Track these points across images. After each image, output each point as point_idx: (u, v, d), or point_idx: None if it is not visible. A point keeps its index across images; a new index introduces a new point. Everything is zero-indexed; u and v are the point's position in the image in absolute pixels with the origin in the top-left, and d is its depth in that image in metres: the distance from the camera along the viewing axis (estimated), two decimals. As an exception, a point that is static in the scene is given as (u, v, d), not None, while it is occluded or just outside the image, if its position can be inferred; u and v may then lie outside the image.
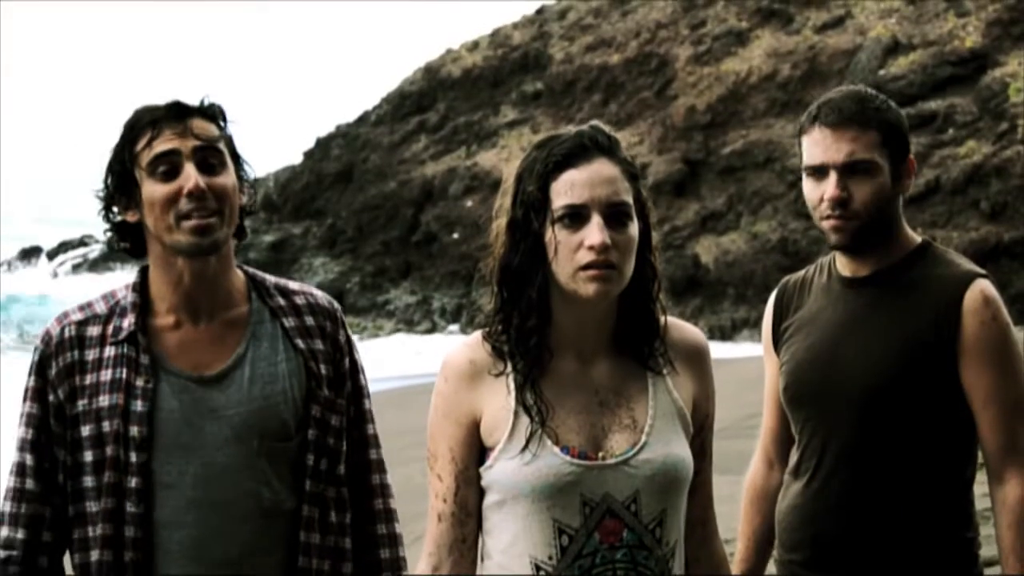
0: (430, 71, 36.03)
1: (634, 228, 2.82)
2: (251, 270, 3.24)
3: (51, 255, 38.04)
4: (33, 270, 37.50)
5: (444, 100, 34.96)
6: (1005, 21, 26.86)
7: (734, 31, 30.78)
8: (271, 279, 3.25)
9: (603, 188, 2.80)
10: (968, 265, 3.45)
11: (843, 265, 3.50)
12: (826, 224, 3.41)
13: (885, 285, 3.44)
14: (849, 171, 3.37)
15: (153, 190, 3.05)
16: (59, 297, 29.25)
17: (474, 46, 36.38)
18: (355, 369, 3.24)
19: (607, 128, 2.89)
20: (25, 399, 3.14)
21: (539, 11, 36.41)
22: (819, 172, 3.40)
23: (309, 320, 3.20)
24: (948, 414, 3.37)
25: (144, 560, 3.04)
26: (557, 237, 2.79)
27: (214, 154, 3.08)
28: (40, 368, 3.13)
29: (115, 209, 3.14)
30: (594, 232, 2.76)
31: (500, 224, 2.87)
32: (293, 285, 3.27)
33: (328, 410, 3.16)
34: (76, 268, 35.94)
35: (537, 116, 32.39)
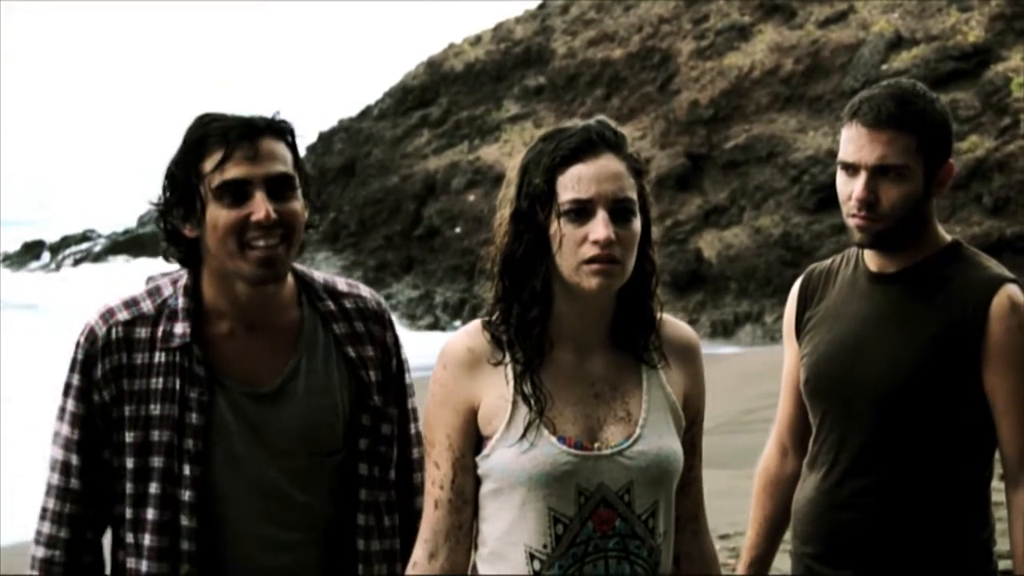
0: (432, 65, 36.01)
1: (637, 224, 2.86)
2: (299, 269, 3.19)
3: (53, 249, 38.04)
4: (35, 263, 37.48)
5: (446, 94, 34.94)
6: (1008, 16, 26.82)
7: (737, 25, 30.74)
8: (319, 278, 3.20)
9: (609, 184, 2.82)
10: (997, 269, 3.43)
11: (871, 260, 3.48)
12: (851, 222, 3.40)
13: (912, 283, 3.42)
14: (879, 173, 3.34)
15: (219, 215, 2.99)
16: (49, 306, 29.00)
17: (476, 40, 36.35)
18: (401, 370, 3.24)
19: (614, 123, 2.91)
20: (67, 395, 3.10)
21: (541, 5, 36.37)
22: (851, 169, 3.38)
23: (359, 326, 3.18)
24: (968, 416, 3.36)
25: (201, 573, 3.03)
26: (562, 230, 2.82)
27: (285, 179, 3.02)
28: (85, 367, 3.08)
29: (170, 218, 3.07)
30: (599, 227, 2.79)
31: (504, 215, 2.89)
32: (341, 285, 3.22)
33: (378, 419, 3.16)
34: (78, 262, 35.94)
35: (540, 111, 32.36)
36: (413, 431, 3.27)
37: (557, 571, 2.84)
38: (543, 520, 2.83)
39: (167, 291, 3.12)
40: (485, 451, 2.89)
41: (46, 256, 38.03)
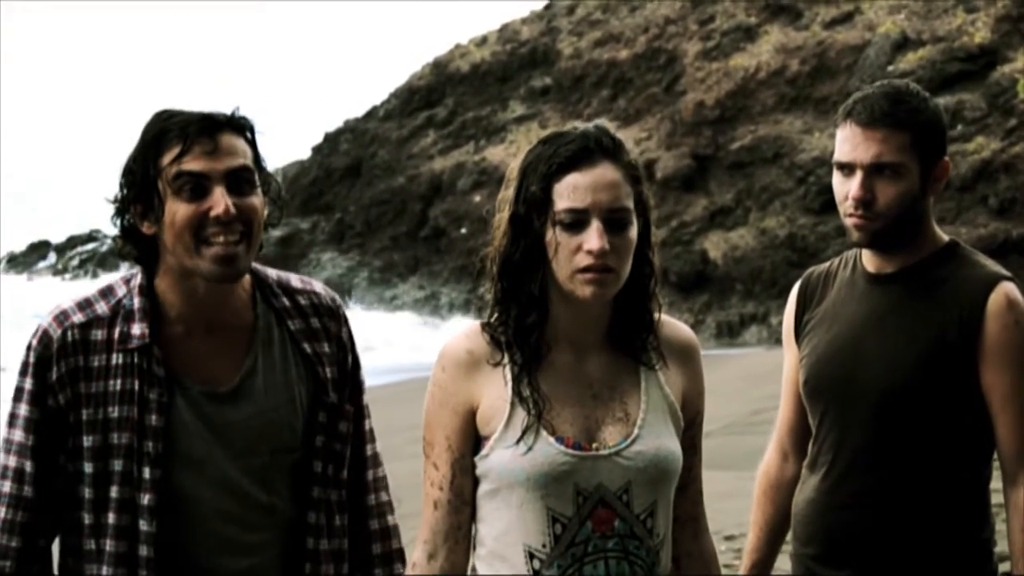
0: (438, 66, 36.02)
1: (633, 231, 2.86)
2: (254, 266, 3.15)
3: (59, 250, 38.07)
4: (42, 263, 37.50)
5: (452, 95, 34.94)
6: (1014, 17, 26.79)
7: (743, 26, 30.73)
8: (272, 275, 3.18)
9: (604, 193, 2.83)
10: (994, 267, 3.43)
11: (869, 261, 3.49)
12: (849, 222, 3.40)
13: (910, 283, 3.43)
14: (875, 172, 3.35)
15: (177, 209, 2.95)
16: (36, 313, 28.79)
17: (482, 41, 36.35)
18: (356, 366, 3.22)
19: (612, 129, 2.92)
20: (19, 400, 3.03)
21: (547, 6, 36.37)
22: (847, 169, 3.40)
23: (315, 322, 3.16)
24: (966, 415, 3.36)
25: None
26: (557, 238, 2.83)
27: (245, 174, 2.99)
28: (38, 370, 3.01)
29: (127, 215, 3.03)
30: (593, 238, 2.80)
31: (503, 217, 2.89)
32: (295, 282, 3.20)
33: (335, 416, 3.13)
34: (84, 263, 35.97)
35: (545, 111, 32.37)
36: (367, 427, 3.25)
37: (556, 571, 2.84)
38: (542, 520, 2.84)
39: (120, 291, 3.07)
40: (483, 451, 2.89)
41: (52, 257, 38.07)
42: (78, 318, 3.04)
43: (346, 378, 3.19)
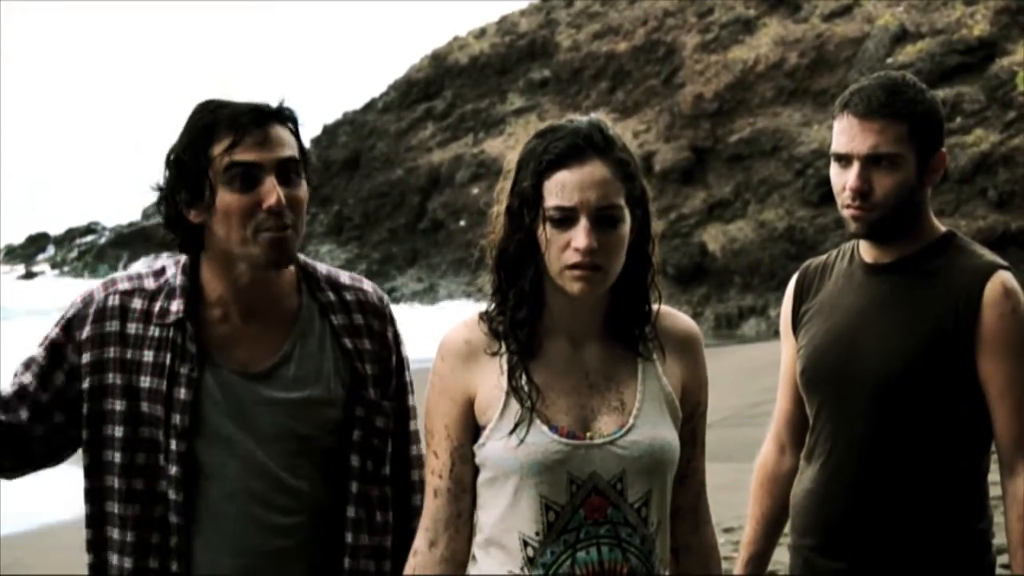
0: (437, 58, 36.04)
1: (624, 227, 2.87)
2: (304, 259, 3.19)
3: (58, 242, 38.10)
4: (41, 255, 37.51)
5: (451, 87, 34.96)
6: (1013, 10, 26.81)
7: (741, 19, 30.75)
8: (322, 269, 3.21)
9: (592, 191, 2.84)
10: (990, 256, 3.43)
11: (866, 251, 3.50)
12: (846, 213, 3.41)
13: (906, 273, 3.43)
14: (872, 163, 3.36)
15: (230, 200, 2.98)
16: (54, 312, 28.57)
17: (481, 33, 36.37)
18: (401, 366, 3.24)
19: (607, 123, 2.93)
20: (40, 346, 3.10)
21: (546, -1, 36.38)
22: (844, 160, 3.40)
23: (358, 318, 3.18)
24: (964, 405, 3.37)
25: (185, 546, 3.03)
26: (548, 234, 2.84)
27: (293, 165, 3.03)
28: (69, 324, 3.09)
29: (175, 203, 3.05)
30: (580, 236, 2.82)
31: (500, 209, 2.91)
32: (344, 278, 3.23)
33: (373, 412, 3.15)
34: (83, 255, 35.98)
35: (544, 104, 32.39)
36: (412, 428, 3.27)
37: (549, 557, 2.86)
38: (535, 508, 2.86)
39: (170, 271, 3.13)
40: (481, 440, 2.91)
41: (51, 249, 38.09)
42: (124, 285, 3.13)
43: (389, 376, 3.21)
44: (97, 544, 3.11)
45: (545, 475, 2.84)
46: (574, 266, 2.83)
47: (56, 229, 38.91)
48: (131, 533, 3.05)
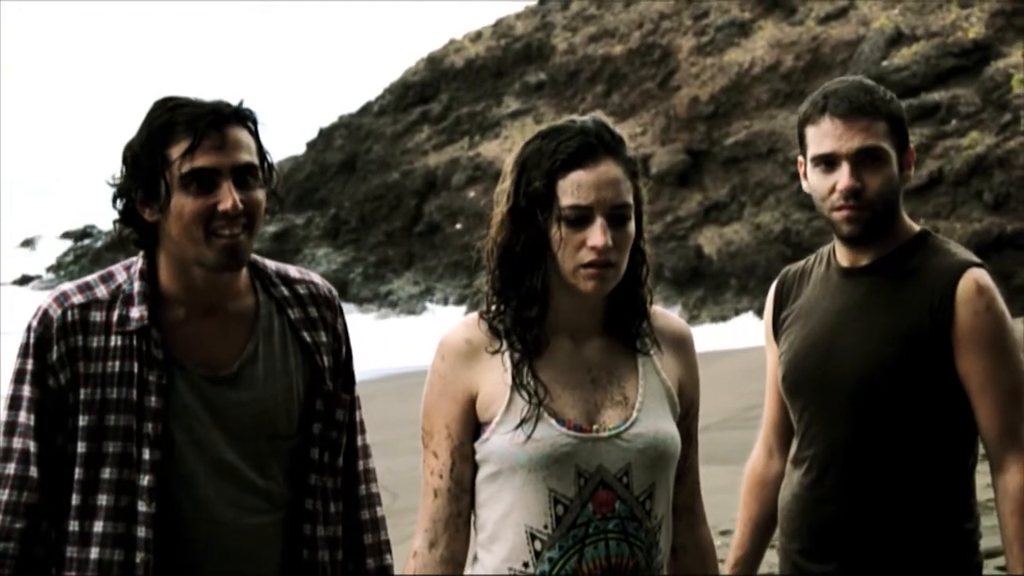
0: (433, 61, 36.04)
1: (632, 225, 2.91)
2: (251, 256, 3.17)
3: (54, 245, 38.04)
4: (33, 254, 37.48)
5: (447, 90, 34.97)
6: (1008, 12, 26.84)
7: (737, 22, 30.77)
8: (271, 265, 3.22)
9: (608, 190, 2.86)
10: (964, 255, 3.45)
11: (842, 255, 3.51)
12: (838, 215, 3.41)
13: (882, 275, 3.45)
14: (861, 161, 3.38)
15: (185, 203, 2.98)
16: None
17: (477, 36, 36.39)
18: (350, 357, 3.26)
19: (611, 124, 2.95)
20: (21, 382, 3.03)
21: (542, 1, 36.40)
22: (829, 162, 3.41)
23: (312, 311, 3.19)
24: (944, 404, 3.37)
25: (156, 560, 2.99)
26: (561, 234, 2.85)
27: (250, 169, 3.02)
28: (38, 351, 3.03)
29: (128, 200, 3.04)
30: (597, 234, 2.84)
31: (502, 210, 2.91)
32: (293, 272, 3.24)
33: (332, 404, 3.17)
34: (79, 259, 35.95)
35: (540, 107, 32.40)
36: (359, 418, 3.28)
37: (557, 552, 2.87)
38: (543, 501, 2.87)
39: (120, 277, 3.10)
40: (484, 435, 2.92)
41: (47, 252, 38.04)
42: (78, 299, 3.07)
43: (340, 368, 3.22)
44: (74, 563, 3.03)
45: (553, 468, 2.86)
46: (589, 264, 2.85)
47: (52, 232, 38.85)
48: (95, 550, 3.00)
